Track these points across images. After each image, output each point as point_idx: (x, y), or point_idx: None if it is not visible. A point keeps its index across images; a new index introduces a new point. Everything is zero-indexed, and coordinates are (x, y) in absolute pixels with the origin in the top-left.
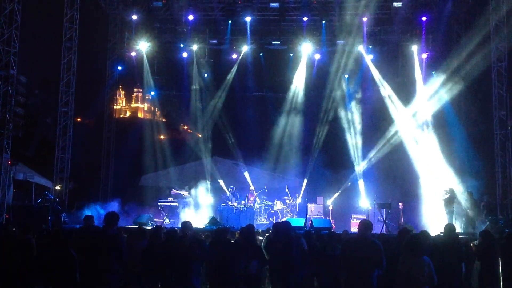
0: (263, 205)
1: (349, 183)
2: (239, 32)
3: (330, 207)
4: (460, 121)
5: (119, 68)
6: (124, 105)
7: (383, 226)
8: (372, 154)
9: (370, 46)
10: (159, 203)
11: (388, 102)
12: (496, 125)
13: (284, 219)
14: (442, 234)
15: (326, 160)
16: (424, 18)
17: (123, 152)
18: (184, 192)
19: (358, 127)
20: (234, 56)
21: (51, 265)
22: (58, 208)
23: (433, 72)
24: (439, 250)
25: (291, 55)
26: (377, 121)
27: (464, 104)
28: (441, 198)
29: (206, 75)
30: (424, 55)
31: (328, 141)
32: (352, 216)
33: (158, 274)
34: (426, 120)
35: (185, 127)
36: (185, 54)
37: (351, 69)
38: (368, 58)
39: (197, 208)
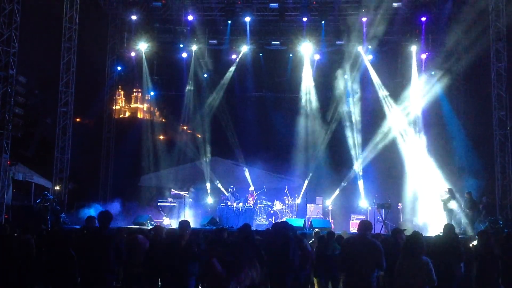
0: (263, 205)
1: (346, 183)
2: (239, 33)
3: (330, 208)
4: (459, 121)
5: (119, 68)
6: (123, 105)
7: (382, 226)
8: (372, 154)
9: (370, 47)
10: (158, 204)
11: (386, 102)
12: (495, 125)
13: (284, 219)
14: (441, 234)
15: (326, 160)
16: (423, 19)
17: (123, 153)
18: (183, 193)
19: (358, 127)
20: (234, 56)
21: (51, 265)
22: (58, 208)
23: (433, 73)
24: (438, 250)
25: (291, 55)
26: (376, 121)
27: (464, 104)
28: (440, 198)
29: (205, 75)
30: (424, 56)
31: (328, 142)
32: (352, 216)
33: (159, 274)
34: (425, 120)
35: (185, 128)
36: (184, 55)
37: (350, 69)
38: (368, 59)
39: (197, 209)
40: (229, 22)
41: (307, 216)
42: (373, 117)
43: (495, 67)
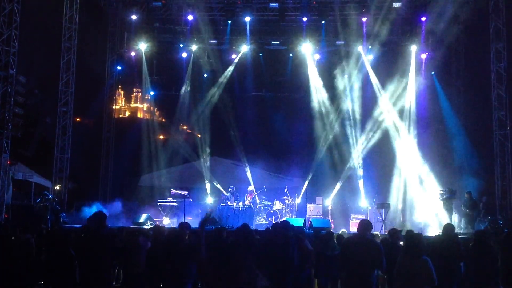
0: (263, 205)
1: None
2: (239, 32)
3: (330, 207)
4: (459, 121)
5: (119, 68)
6: (123, 105)
7: (382, 226)
8: (372, 154)
9: (370, 46)
10: (158, 203)
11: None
12: (495, 125)
13: (284, 219)
14: (441, 234)
15: (326, 160)
16: (423, 18)
17: (122, 152)
18: (183, 192)
19: (358, 127)
20: (234, 56)
21: (51, 264)
22: (57, 207)
23: (432, 72)
24: (438, 250)
25: (291, 55)
26: (376, 121)
27: (464, 104)
28: (440, 198)
29: (205, 75)
30: (424, 55)
31: (328, 141)
32: (352, 216)
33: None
34: (425, 120)
35: (185, 127)
36: (184, 54)
37: (350, 69)
38: (368, 59)
39: (196, 208)
40: (229, 22)
41: (307, 216)
42: (373, 117)
43: (495, 67)
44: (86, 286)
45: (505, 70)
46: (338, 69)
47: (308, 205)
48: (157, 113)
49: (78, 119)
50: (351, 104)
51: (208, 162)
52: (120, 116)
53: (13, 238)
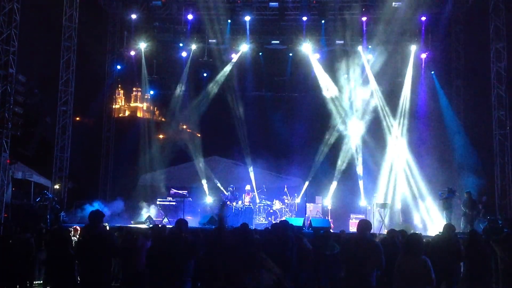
0: (262, 204)
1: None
2: (239, 32)
3: (329, 207)
4: (459, 120)
5: (118, 67)
6: (123, 104)
7: (381, 226)
8: (372, 153)
9: (370, 46)
10: (158, 203)
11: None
12: (495, 125)
13: (283, 218)
14: (441, 234)
15: (326, 160)
16: (423, 18)
17: (122, 152)
18: (183, 192)
19: (358, 126)
20: (233, 55)
21: (50, 264)
22: (57, 207)
23: (432, 72)
24: (437, 249)
25: (291, 54)
26: (376, 121)
27: (464, 104)
28: (440, 198)
29: (205, 74)
30: (424, 55)
31: (328, 141)
32: (351, 215)
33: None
34: (425, 119)
35: (184, 127)
36: (184, 54)
37: (350, 69)
38: (367, 58)
39: (196, 208)
40: (229, 21)
41: (306, 216)
42: (373, 116)
43: (495, 67)
44: (86, 286)
45: (505, 70)
46: (337, 69)
47: (307, 204)
48: (156, 113)
49: (78, 119)
50: (351, 104)
51: (208, 162)
52: (120, 115)
53: (13, 237)
